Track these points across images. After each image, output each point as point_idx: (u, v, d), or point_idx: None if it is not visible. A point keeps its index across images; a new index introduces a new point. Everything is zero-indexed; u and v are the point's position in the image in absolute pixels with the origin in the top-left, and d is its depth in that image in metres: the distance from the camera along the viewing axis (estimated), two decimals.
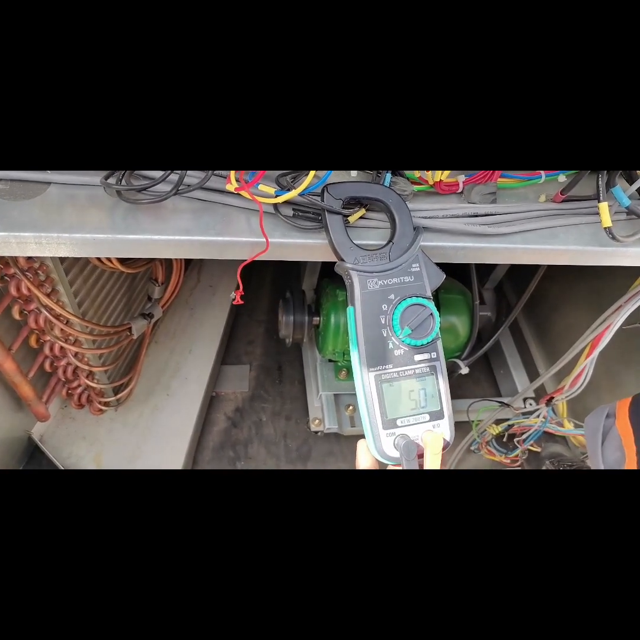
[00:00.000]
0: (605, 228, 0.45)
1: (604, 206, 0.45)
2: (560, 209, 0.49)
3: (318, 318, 0.96)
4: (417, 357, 0.38)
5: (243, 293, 0.42)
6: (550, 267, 0.91)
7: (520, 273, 1.07)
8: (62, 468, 0.90)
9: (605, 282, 0.92)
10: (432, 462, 0.36)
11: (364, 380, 0.38)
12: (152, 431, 0.99)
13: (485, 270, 1.13)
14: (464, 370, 0.94)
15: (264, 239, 0.41)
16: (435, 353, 0.39)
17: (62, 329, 0.77)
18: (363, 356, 0.38)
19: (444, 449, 0.37)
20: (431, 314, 0.39)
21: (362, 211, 0.44)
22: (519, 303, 1.10)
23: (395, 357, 0.38)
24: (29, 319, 0.75)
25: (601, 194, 0.45)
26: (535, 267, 0.98)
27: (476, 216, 0.46)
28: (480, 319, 1.10)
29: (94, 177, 0.41)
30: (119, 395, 0.96)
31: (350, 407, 1.02)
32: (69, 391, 0.92)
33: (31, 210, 0.40)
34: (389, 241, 0.41)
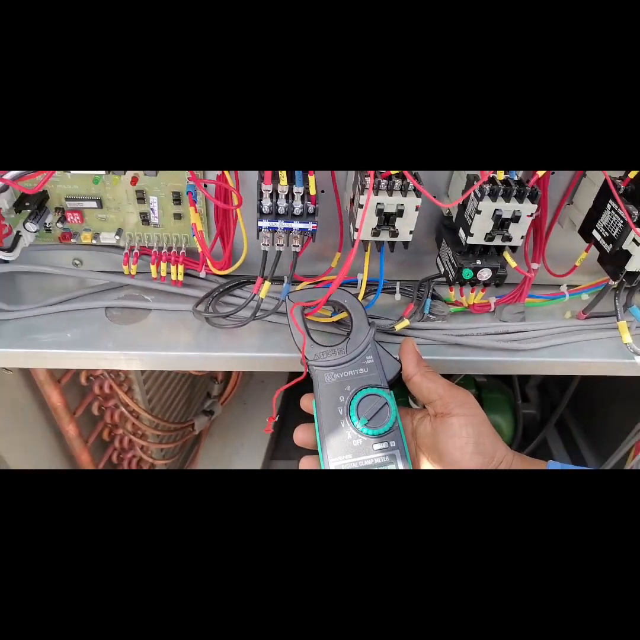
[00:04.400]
0: (625, 344, 0.50)
1: (622, 325, 0.50)
2: (584, 324, 0.55)
3: None
4: (376, 447, 0.39)
5: (276, 419, 0.45)
6: None
7: None
8: None
9: None
10: None
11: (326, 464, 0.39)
12: None
13: None
14: None
15: None
16: (394, 442, 0.40)
17: (133, 424, 0.85)
18: (325, 447, 0.39)
19: None
20: (387, 403, 0.40)
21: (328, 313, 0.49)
22: (562, 401, 1.11)
23: (354, 447, 0.39)
24: (106, 414, 0.84)
25: (619, 314, 0.50)
26: None
27: (507, 333, 0.52)
28: (525, 416, 1.11)
29: (187, 305, 0.51)
30: None
31: None
32: None
33: (137, 331, 0.50)
34: (346, 337, 0.44)
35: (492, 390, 0.99)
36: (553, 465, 0.39)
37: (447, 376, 0.66)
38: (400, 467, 0.39)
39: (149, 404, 0.87)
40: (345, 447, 0.40)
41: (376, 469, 0.39)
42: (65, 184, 0.46)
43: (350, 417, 0.40)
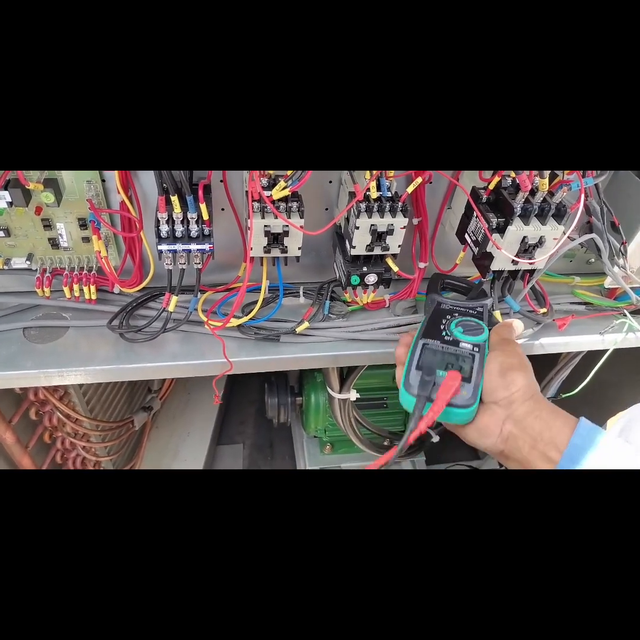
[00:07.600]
0: None
1: (497, 314, 0.58)
2: None
3: (301, 398, 1.07)
4: (462, 345, 0.45)
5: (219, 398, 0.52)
6: None
7: None
8: None
9: None
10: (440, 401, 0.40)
11: (415, 345, 0.45)
12: None
13: None
14: (435, 438, 1.04)
15: (227, 361, 0.53)
16: (477, 350, 0.44)
17: (72, 426, 0.88)
18: (421, 330, 0.46)
19: (466, 405, 0.41)
20: (482, 329, 0.47)
21: None
22: None
23: (444, 339, 0.45)
24: (44, 418, 0.87)
25: (494, 304, 0.58)
26: None
27: (399, 326, 0.58)
28: None
29: (102, 321, 0.54)
30: None
31: None
32: None
33: (55, 349, 0.53)
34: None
35: None
36: (583, 424, 0.40)
37: (352, 369, 0.73)
38: (476, 362, 0.44)
39: (88, 405, 0.89)
40: (437, 335, 0.46)
41: (457, 355, 0.44)
42: None
43: (450, 325, 0.47)
